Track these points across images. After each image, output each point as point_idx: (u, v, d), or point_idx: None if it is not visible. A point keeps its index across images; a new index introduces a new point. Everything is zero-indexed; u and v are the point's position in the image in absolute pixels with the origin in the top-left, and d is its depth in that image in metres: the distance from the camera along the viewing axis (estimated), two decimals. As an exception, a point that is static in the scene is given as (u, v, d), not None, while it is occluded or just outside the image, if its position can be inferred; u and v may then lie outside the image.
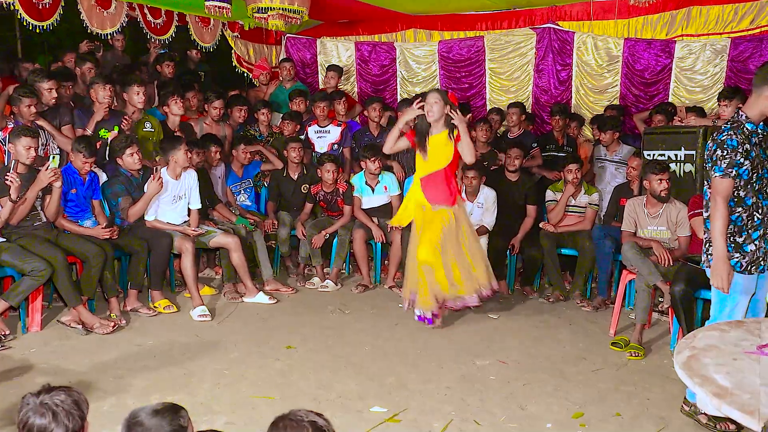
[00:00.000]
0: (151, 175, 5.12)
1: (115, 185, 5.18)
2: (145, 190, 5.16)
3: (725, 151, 3.05)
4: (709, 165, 3.14)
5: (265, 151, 6.52)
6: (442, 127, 4.72)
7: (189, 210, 5.44)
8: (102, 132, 5.45)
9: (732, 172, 3.04)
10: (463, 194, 5.79)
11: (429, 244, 4.69)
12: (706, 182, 3.26)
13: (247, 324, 4.91)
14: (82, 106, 5.67)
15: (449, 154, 4.74)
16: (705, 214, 3.28)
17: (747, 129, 3.08)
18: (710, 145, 3.15)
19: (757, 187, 3.12)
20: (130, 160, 5.16)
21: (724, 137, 3.07)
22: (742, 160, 3.04)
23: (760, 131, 3.12)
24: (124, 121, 5.50)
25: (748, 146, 3.05)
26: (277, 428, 1.77)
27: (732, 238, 3.11)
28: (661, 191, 4.78)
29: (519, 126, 6.93)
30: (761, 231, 3.12)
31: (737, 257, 3.11)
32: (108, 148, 5.44)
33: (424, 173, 4.81)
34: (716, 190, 3.08)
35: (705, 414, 3.32)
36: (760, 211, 3.13)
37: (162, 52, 7.53)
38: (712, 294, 3.28)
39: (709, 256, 3.22)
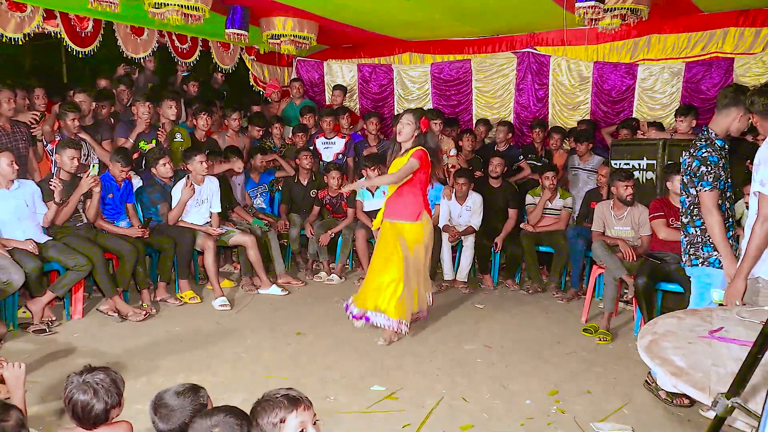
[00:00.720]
0: (185, 180, 5.15)
1: (152, 193, 5.22)
2: (173, 193, 5.19)
3: (709, 167, 3.02)
4: (691, 179, 3.10)
5: (280, 159, 6.54)
6: (410, 147, 4.21)
7: (211, 213, 5.44)
8: (142, 144, 5.49)
9: (717, 184, 3.02)
10: (453, 198, 5.81)
11: (386, 262, 4.21)
12: (685, 193, 3.21)
13: (261, 313, 4.92)
14: (121, 121, 5.71)
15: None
16: (684, 220, 3.25)
17: (717, 145, 3.08)
18: (689, 161, 3.12)
19: (727, 195, 3.13)
20: (163, 169, 5.19)
21: (705, 154, 3.04)
22: (722, 173, 3.04)
23: (726, 146, 3.13)
24: (159, 132, 5.53)
25: (723, 161, 3.06)
26: (256, 412, 1.73)
27: (711, 239, 3.09)
28: (626, 196, 4.81)
29: (506, 142, 6.90)
30: (732, 232, 3.13)
31: (716, 255, 3.10)
32: (144, 158, 5.46)
33: (391, 191, 4.34)
34: (708, 202, 3.02)
35: (664, 390, 3.34)
36: (728, 214, 3.14)
37: (187, 74, 7.54)
38: (692, 287, 3.27)
39: (691, 257, 3.21)
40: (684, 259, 3.29)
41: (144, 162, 5.46)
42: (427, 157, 4.21)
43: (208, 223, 5.41)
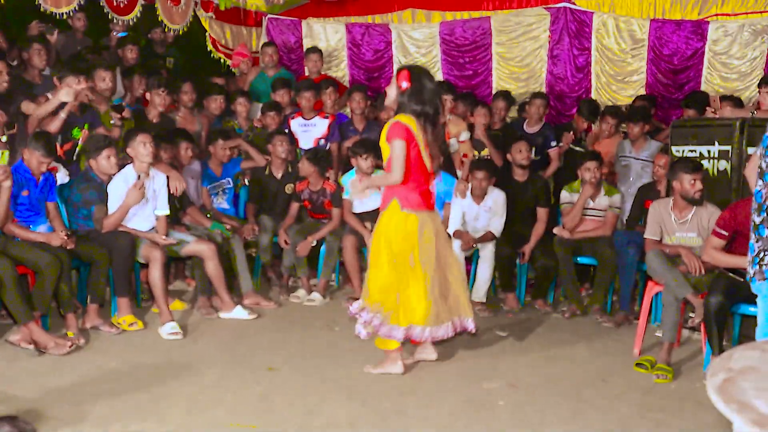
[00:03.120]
0: (129, 172, 5.13)
1: (86, 191, 5.19)
2: (109, 191, 5.17)
3: None
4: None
5: (246, 146, 6.52)
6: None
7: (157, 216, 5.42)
8: (75, 132, 5.45)
9: None
10: (468, 196, 5.80)
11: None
12: (761, 182, 3.14)
13: (223, 342, 4.90)
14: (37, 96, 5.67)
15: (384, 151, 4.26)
16: (756, 219, 3.17)
17: None
18: None
19: None
20: (106, 163, 5.16)
21: None
22: None
23: None
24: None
25: None
26: None
27: None
28: (694, 193, 4.76)
29: (539, 120, 6.81)
30: None
31: None
32: (76, 148, 5.42)
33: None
34: None
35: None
36: None
37: (123, 34, 7.52)
38: (759, 310, 3.23)
39: (763, 268, 3.14)
40: (751, 272, 3.23)
41: (76, 152, 5.42)
42: (405, 129, 4.11)
43: (154, 228, 5.39)
